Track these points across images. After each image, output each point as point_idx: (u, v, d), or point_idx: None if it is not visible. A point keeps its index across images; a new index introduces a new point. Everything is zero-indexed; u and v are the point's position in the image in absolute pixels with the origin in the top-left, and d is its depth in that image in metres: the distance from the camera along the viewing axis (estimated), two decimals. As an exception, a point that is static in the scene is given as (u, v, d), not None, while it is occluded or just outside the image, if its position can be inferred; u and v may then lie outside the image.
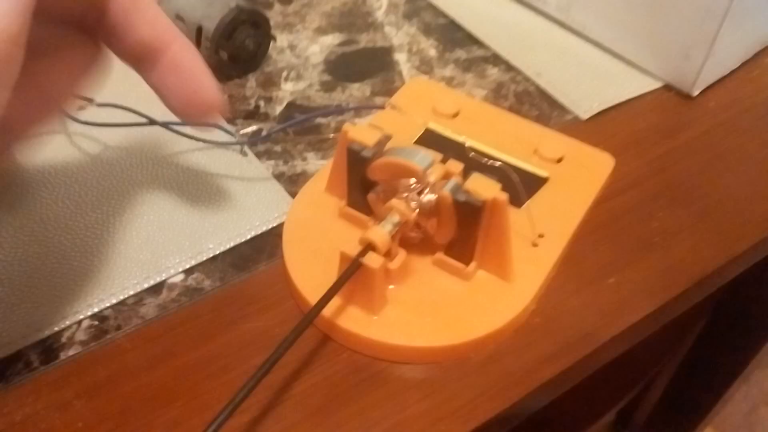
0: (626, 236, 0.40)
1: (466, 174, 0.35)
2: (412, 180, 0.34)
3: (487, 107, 0.47)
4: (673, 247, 0.40)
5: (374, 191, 0.36)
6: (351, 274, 0.33)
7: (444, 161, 0.36)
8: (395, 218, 0.34)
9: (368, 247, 0.33)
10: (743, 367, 0.82)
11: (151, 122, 0.41)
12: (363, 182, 0.37)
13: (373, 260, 0.33)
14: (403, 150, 0.35)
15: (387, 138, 0.36)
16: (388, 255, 0.35)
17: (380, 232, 0.33)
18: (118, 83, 0.47)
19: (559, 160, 0.43)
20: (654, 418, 1.00)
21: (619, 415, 0.99)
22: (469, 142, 0.43)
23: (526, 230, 0.38)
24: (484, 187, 0.33)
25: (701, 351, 0.85)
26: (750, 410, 1.33)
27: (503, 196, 0.33)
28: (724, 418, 1.29)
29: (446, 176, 0.35)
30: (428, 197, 0.34)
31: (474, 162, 0.37)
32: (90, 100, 0.42)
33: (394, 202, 0.35)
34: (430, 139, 0.43)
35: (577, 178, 0.42)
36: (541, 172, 0.42)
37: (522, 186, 0.37)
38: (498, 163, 0.36)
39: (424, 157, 0.34)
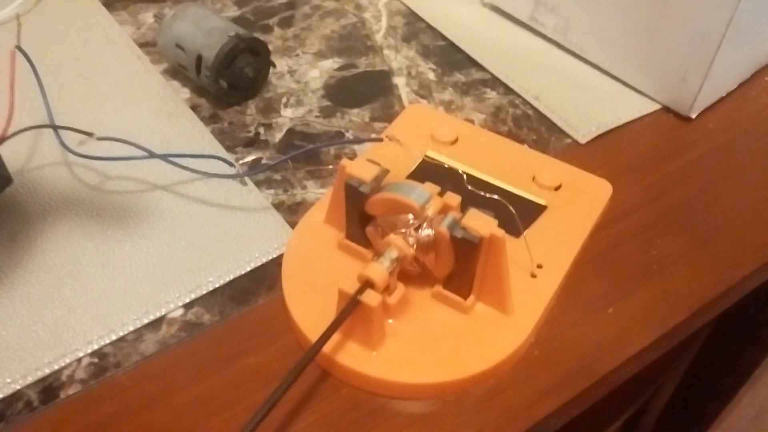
0: (625, 264, 0.40)
1: (464, 206, 0.35)
2: (410, 216, 0.34)
3: (485, 134, 0.47)
4: (672, 275, 0.40)
5: (372, 225, 0.36)
6: (349, 312, 0.33)
7: (442, 194, 0.36)
8: (393, 254, 0.34)
9: (366, 284, 0.33)
10: (750, 373, 0.82)
11: (151, 155, 0.42)
12: (361, 216, 0.37)
13: (371, 298, 0.33)
14: (400, 186, 0.35)
15: (384, 172, 0.36)
16: (387, 290, 0.35)
17: (378, 270, 0.33)
18: (114, 116, 0.48)
19: (558, 188, 0.43)
20: (661, 425, 0.99)
21: (626, 422, 0.99)
22: (467, 172, 0.43)
23: (524, 260, 0.38)
24: (481, 224, 0.33)
25: (707, 357, 0.84)
26: (757, 415, 1.33)
27: (500, 233, 0.33)
28: (731, 423, 1.28)
29: (444, 210, 0.35)
30: (426, 233, 0.34)
31: (471, 194, 0.37)
32: (90, 134, 0.42)
33: (392, 237, 0.35)
34: (427, 170, 0.43)
35: (575, 206, 0.42)
36: (540, 200, 0.42)
37: (520, 216, 0.37)
38: (495, 196, 0.37)
39: (421, 194, 0.34)
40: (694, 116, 0.49)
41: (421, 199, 0.34)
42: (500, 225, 0.34)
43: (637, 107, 0.50)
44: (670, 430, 0.99)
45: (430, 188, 0.35)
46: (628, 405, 0.84)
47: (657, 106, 0.50)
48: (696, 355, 0.86)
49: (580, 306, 0.38)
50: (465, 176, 0.38)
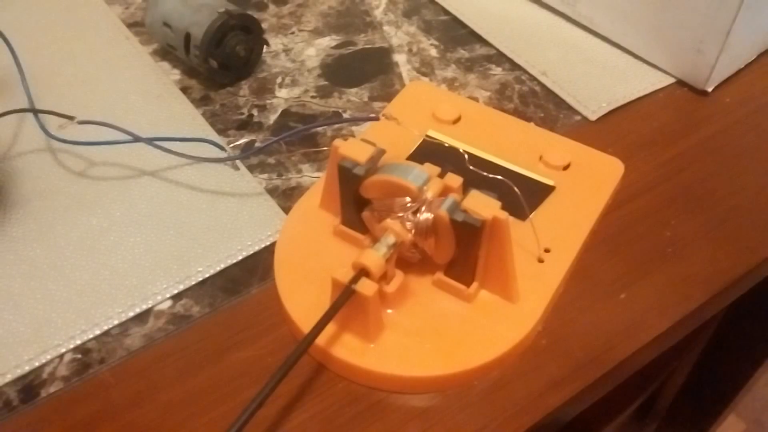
0: (638, 247, 0.38)
1: (466, 188, 0.32)
2: (407, 199, 0.32)
3: (489, 111, 0.44)
4: (688, 257, 0.38)
5: (369, 209, 0.34)
6: (342, 303, 0.31)
7: (442, 175, 0.34)
8: (390, 239, 0.32)
9: (361, 272, 0.31)
10: (766, 355, 0.80)
11: (135, 139, 0.39)
12: (357, 200, 0.35)
13: (366, 287, 0.31)
14: (396, 167, 0.33)
15: (380, 153, 0.34)
16: (384, 278, 0.33)
17: (374, 257, 0.31)
18: (100, 99, 0.46)
19: (566, 167, 0.40)
20: (676, 407, 0.98)
21: (641, 404, 0.97)
22: (470, 151, 0.40)
23: (531, 244, 0.36)
24: (483, 206, 0.31)
25: (723, 338, 0.83)
26: (772, 397, 1.31)
27: (503, 215, 0.31)
28: (747, 404, 1.26)
29: (444, 192, 0.33)
30: (425, 216, 0.32)
31: (474, 175, 0.34)
32: (71, 118, 0.40)
33: (389, 222, 0.33)
34: (428, 150, 0.41)
35: (585, 187, 0.40)
36: (547, 181, 0.40)
37: (526, 198, 0.35)
38: (499, 177, 0.34)
39: (418, 175, 0.32)
40: (710, 90, 0.47)
41: (418, 181, 0.32)
42: (505, 207, 0.31)
43: (650, 81, 0.48)
44: (686, 412, 0.98)
45: (429, 169, 0.33)
46: (642, 390, 0.82)
47: (671, 80, 0.48)
48: (710, 338, 0.84)
49: (590, 291, 0.36)
50: (467, 156, 0.36)
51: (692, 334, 0.80)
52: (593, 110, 0.46)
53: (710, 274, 0.37)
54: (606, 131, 0.45)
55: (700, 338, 0.83)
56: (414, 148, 0.41)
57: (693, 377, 0.92)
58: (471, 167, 0.35)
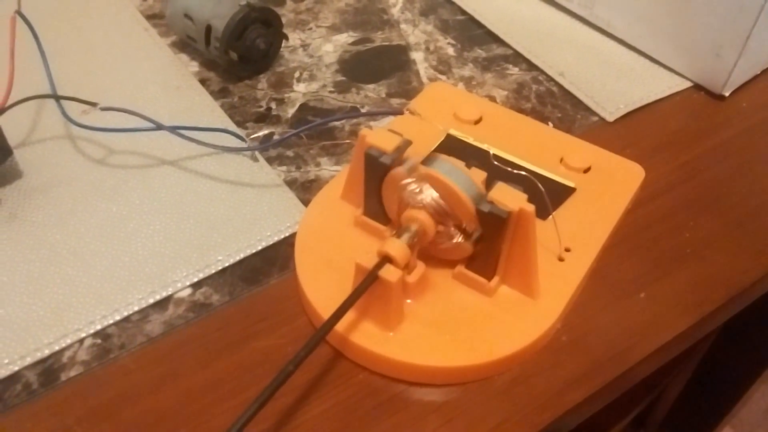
0: (657, 247, 0.38)
1: (491, 183, 0.32)
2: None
3: (510, 113, 0.45)
4: (707, 258, 0.38)
5: (394, 199, 0.34)
6: (366, 287, 0.31)
7: (468, 168, 0.34)
8: (413, 228, 0.32)
9: (385, 259, 0.31)
10: (762, 367, 0.80)
11: (158, 126, 0.39)
12: (380, 190, 0.35)
13: (390, 273, 0.31)
14: (458, 175, 0.32)
15: (407, 144, 0.34)
16: (406, 268, 0.33)
17: (398, 245, 0.31)
18: (120, 89, 0.46)
19: (587, 170, 0.40)
20: (672, 418, 0.98)
21: (636, 415, 0.97)
22: (492, 150, 0.40)
23: (552, 243, 0.36)
24: (509, 198, 0.31)
25: (719, 350, 0.83)
26: (768, 409, 1.31)
27: (530, 207, 0.31)
28: (743, 417, 1.26)
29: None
30: (428, 192, 0.32)
31: (498, 170, 0.34)
32: (93, 104, 0.40)
33: (413, 212, 0.33)
34: (451, 146, 0.41)
35: (605, 190, 0.40)
36: (568, 182, 0.40)
37: (549, 197, 0.35)
38: (523, 172, 0.34)
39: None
40: (727, 94, 0.47)
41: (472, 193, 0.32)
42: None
43: (667, 84, 0.48)
44: (681, 424, 0.98)
45: (454, 162, 0.33)
46: (638, 402, 0.82)
47: (688, 84, 0.48)
48: (707, 350, 0.84)
49: (609, 290, 0.36)
50: (491, 153, 0.36)
51: (689, 346, 0.80)
52: (611, 111, 0.46)
53: (730, 275, 0.37)
54: (623, 133, 0.45)
55: (697, 350, 0.83)
56: (437, 144, 0.41)
57: (689, 389, 0.91)
58: (495, 162, 0.35)
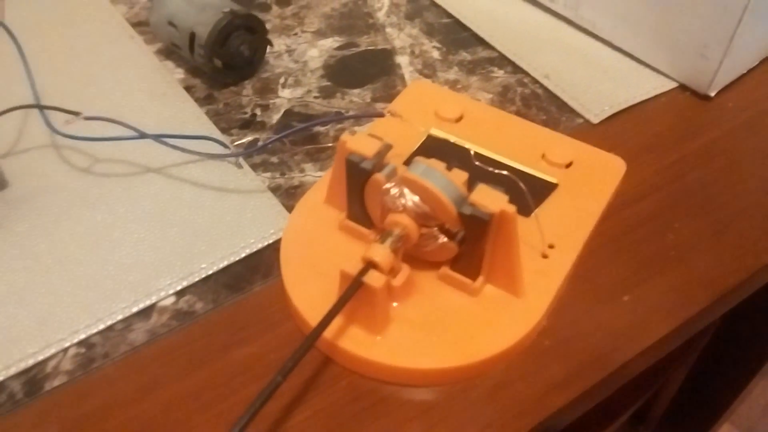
0: (641, 250, 0.38)
1: (472, 184, 0.33)
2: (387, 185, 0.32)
3: (491, 110, 0.45)
4: (691, 261, 0.38)
5: (377, 203, 0.34)
6: (351, 294, 0.31)
7: (448, 170, 0.34)
8: (397, 232, 0.32)
9: (369, 264, 0.31)
10: (761, 363, 0.80)
11: (141, 135, 0.40)
12: (363, 194, 0.35)
13: (375, 279, 0.31)
14: (438, 178, 0.32)
15: (387, 148, 0.34)
16: (391, 272, 0.33)
17: (382, 250, 0.31)
18: (105, 97, 0.46)
19: (569, 165, 0.41)
20: (671, 415, 0.98)
21: (635, 412, 0.97)
22: (474, 149, 0.41)
23: (535, 240, 0.36)
24: (490, 200, 0.31)
25: (718, 347, 0.83)
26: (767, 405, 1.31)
27: (511, 209, 0.31)
28: (742, 413, 1.26)
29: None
30: (410, 198, 0.32)
31: (479, 170, 0.35)
32: (76, 114, 0.40)
33: (396, 216, 0.33)
34: (432, 146, 0.41)
35: (587, 184, 0.40)
36: (550, 178, 0.40)
37: (530, 194, 0.35)
38: (505, 172, 0.34)
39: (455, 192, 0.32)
40: (712, 94, 0.47)
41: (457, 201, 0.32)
42: (511, 203, 0.31)
43: (653, 85, 0.48)
44: (680, 420, 0.98)
45: (435, 164, 0.33)
46: (636, 398, 0.82)
47: (673, 84, 0.48)
48: (706, 345, 0.84)
49: (593, 294, 0.36)
50: (473, 152, 0.36)
51: (688, 342, 0.80)
52: (596, 113, 0.46)
53: (713, 278, 0.37)
54: (608, 134, 0.45)
55: (696, 346, 0.83)
56: (418, 145, 0.41)
57: (688, 385, 0.91)
58: (477, 163, 0.35)
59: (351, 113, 0.46)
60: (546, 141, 0.42)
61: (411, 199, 0.32)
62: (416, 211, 0.32)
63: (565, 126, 0.45)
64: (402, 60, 0.50)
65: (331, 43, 0.51)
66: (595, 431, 0.81)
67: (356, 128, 0.45)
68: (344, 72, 0.49)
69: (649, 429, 1.01)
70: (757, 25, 0.45)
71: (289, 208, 0.39)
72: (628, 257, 0.38)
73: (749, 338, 0.80)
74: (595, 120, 0.46)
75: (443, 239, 0.33)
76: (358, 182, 0.34)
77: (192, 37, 0.45)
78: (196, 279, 0.36)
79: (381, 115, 0.40)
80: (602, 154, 0.42)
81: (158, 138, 0.40)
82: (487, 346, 0.33)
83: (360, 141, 0.34)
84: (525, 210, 0.36)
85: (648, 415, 0.99)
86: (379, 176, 0.33)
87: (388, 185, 0.33)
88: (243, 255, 0.37)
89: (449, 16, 0.54)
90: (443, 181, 0.32)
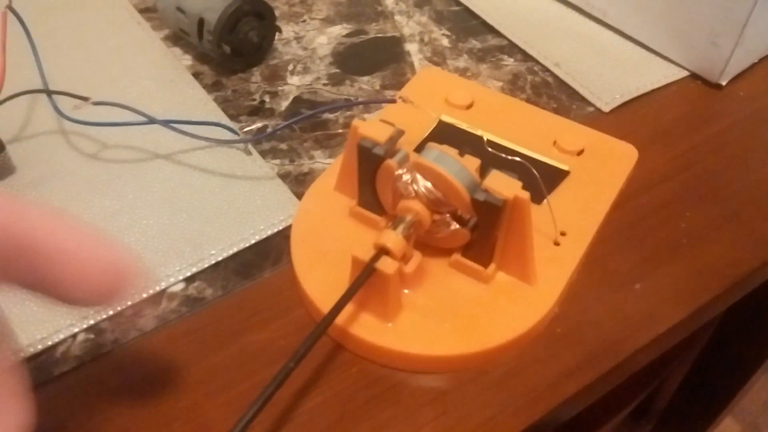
0: (652, 238, 0.38)
1: (484, 170, 0.32)
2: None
3: (502, 97, 0.44)
4: (703, 249, 0.38)
5: (388, 189, 0.34)
6: (364, 280, 0.31)
7: (461, 155, 0.33)
8: (409, 218, 0.32)
9: (382, 251, 0.31)
10: (763, 358, 0.80)
11: (151, 120, 0.39)
12: (374, 181, 0.34)
13: (387, 265, 0.31)
14: (451, 163, 0.32)
15: (399, 134, 0.34)
16: (403, 258, 0.32)
17: (394, 236, 0.31)
18: (113, 83, 0.45)
19: (580, 153, 0.40)
20: (672, 408, 0.98)
21: (636, 406, 0.97)
22: (485, 135, 0.40)
23: (547, 228, 0.36)
24: (504, 186, 0.31)
25: (720, 341, 0.83)
26: (769, 399, 1.31)
27: (525, 195, 0.31)
28: (744, 408, 1.26)
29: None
30: (423, 183, 0.32)
31: (491, 157, 0.34)
32: (85, 99, 0.40)
33: (409, 202, 0.32)
34: (444, 133, 0.41)
35: (599, 171, 0.40)
36: (562, 166, 0.40)
37: (543, 181, 0.35)
38: (517, 158, 0.34)
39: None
40: (724, 83, 0.47)
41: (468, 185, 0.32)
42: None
43: (664, 74, 0.48)
44: (682, 414, 0.98)
45: (447, 150, 0.33)
46: (638, 392, 0.82)
47: (684, 73, 0.48)
48: (709, 339, 0.84)
49: (605, 282, 0.36)
50: (485, 139, 0.36)
51: (690, 336, 0.80)
52: (606, 102, 0.45)
53: (725, 266, 0.37)
54: (619, 123, 0.44)
55: (698, 340, 0.83)
56: (429, 131, 0.41)
57: (690, 379, 0.91)
58: (489, 149, 0.34)
59: (361, 99, 0.46)
60: (557, 128, 0.42)
61: (423, 185, 0.32)
62: (428, 197, 0.32)
63: (575, 114, 0.45)
64: (411, 47, 0.50)
65: (339, 30, 0.51)
66: (597, 425, 0.81)
67: (365, 115, 0.45)
68: (353, 59, 0.49)
69: (650, 423, 1.01)
70: (770, 13, 0.44)
71: (299, 195, 0.39)
72: (639, 246, 0.38)
73: (751, 333, 0.80)
74: (606, 108, 0.45)
75: (455, 226, 0.33)
76: (370, 168, 0.34)
77: (201, 23, 0.45)
78: (206, 265, 0.36)
79: (392, 101, 0.40)
80: (614, 141, 0.41)
81: (167, 123, 0.39)
82: (498, 333, 0.33)
83: (372, 127, 0.34)
84: (537, 197, 0.36)
85: (650, 409, 0.99)
86: (391, 162, 0.33)
87: (400, 171, 0.33)
88: (253, 241, 0.37)
89: (459, 3, 0.54)
90: (456, 166, 0.32)
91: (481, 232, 0.33)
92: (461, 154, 0.33)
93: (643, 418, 1.01)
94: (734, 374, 0.86)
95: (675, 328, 0.35)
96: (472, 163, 0.32)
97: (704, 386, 0.92)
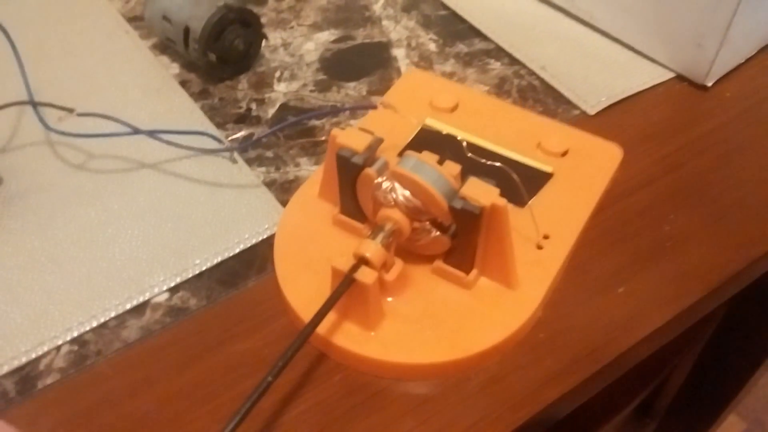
0: (637, 241, 0.38)
1: (464, 176, 0.32)
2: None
3: (487, 99, 0.45)
4: (687, 252, 0.38)
5: (369, 198, 0.34)
6: (343, 291, 0.31)
7: (441, 162, 0.34)
8: (388, 227, 0.32)
9: (361, 261, 0.31)
10: (767, 354, 0.80)
11: (135, 131, 0.39)
12: (355, 189, 0.34)
13: (366, 275, 0.31)
14: (429, 172, 0.32)
15: (378, 142, 0.34)
16: (383, 267, 0.33)
17: (373, 246, 0.31)
18: (100, 93, 0.46)
19: (564, 154, 0.40)
20: (676, 405, 0.97)
21: (640, 403, 0.97)
22: (467, 139, 0.40)
23: (529, 231, 0.36)
24: (481, 193, 0.31)
25: (724, 337, 0.82)
26: (774, 395, 1.31)
27: (502, 202, 0.31)
28: (748, 404, 1.26)
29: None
30: (401, 192, 0.32)
31: (473, 162, 0.34)
32: (70, 110, 0.40)
33: (388, 211, 0.32)
34: (426, 138, 0.41)
35: (583, 173, 0.40)
36: (545, 167, 0.40)
37: (525, 185, 0.35)
38: (498, 164, 0.34)
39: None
40: (710, 84, 0.47)
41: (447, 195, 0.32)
42: (504, 194, 0.31)
43: (650, 76, 0.48)
44: (686, 412, 0.98)
45: (427, 157, 0.33)
46: (642, 389, 0.82)
47: (670, 75, 0.48)
48: (712, 334, 0.84)
49: (588, 285, 0.36)
50: (465, 144, 0.36)
51: (693, 332, 0.80)
52: (592, 105, 0.46)
53: (709, 269, 0.37)
54: (605, 125, 0.44)
55: (701, 336, 0.83)
56: (412, 137, 0.41)
57: (693, 376, 0.91)
58: (469, 155, 0.35)
59: (342, 105, 0.46)
60: (542, 129, 0.42)
61: (402, 193, 0.32)
62: (407, 205, 0.32)
63: (561, 117, 0.45)
64: (398, 52, 0.50)
65: (327, 36, 0.51)
66: (600, 422, 0.80)
67: (352, 122, 0.45)
68: (340, 65, 0.49)
69: (654, 420, 1.01)
70: (753, 15, 0.44)
71: (284, 203, 0.39)
72: (623, 249, 0.38)
73: (755, 328, 0.79)
74: (592, 111, 0.45)
75: (436, 233, 0.33)
76: (350, 177, 0.34)
77: (186, 31, 0.45)
78: (190, 275, 0.36)
79: (374, 107, 0.40)
80: (598, 140, 0.41)
81: (152, 134, 0.40)
82: (481, 339, 0.33)
83: (350, 135, 0.34)
84: (519, 200, 0.36)
85: (653, 405, 0.99)
86: (370, 171, 0.33)
87: (379, 180, 0.33)
88: (237, 250, 0.37)
89: (446, 8, 0.54)
90: (434, 174, 0.32)
91: (462, 239, 0.33)
92: (442, 160, 0.33)
93: (647, 415, 1.01)
94: (738, 370, 0.86)
95: (659, 331, 0.35)
96: (453, 169, 0.33)
97: (708, 383, 0.92)
